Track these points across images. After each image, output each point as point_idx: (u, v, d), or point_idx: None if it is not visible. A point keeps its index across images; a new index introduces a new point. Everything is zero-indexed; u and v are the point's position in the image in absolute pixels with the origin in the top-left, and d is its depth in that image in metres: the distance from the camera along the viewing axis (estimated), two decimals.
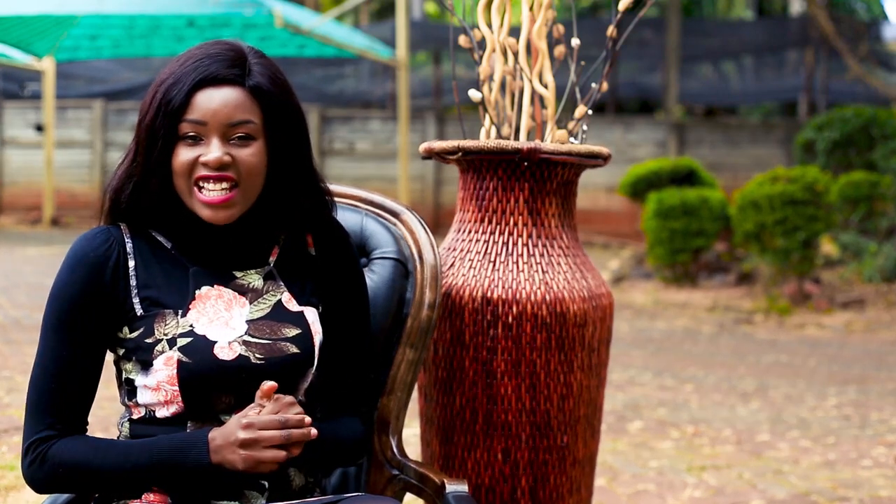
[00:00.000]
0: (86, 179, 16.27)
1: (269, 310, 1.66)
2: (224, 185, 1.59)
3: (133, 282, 1.62)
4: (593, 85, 2.23)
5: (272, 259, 1.71)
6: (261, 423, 1.53)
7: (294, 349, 1.64)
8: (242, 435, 1.53)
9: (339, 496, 1.60)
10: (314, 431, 1.56)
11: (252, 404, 1.57)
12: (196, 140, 1.59)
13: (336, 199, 2.08)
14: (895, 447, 4.54)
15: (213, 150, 1.58)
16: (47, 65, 13.93)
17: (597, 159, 2.15)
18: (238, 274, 1.67)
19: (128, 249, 1.64)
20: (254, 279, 1.68)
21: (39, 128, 16.11)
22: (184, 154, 1.59)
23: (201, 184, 1.59)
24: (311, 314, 1.69)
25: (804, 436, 4.71)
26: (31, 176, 16.34)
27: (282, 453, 1.54)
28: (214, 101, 1.58)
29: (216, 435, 1.56)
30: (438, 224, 14.16)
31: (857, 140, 10.87)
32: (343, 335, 1.74)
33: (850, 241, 9.95)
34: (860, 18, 19.25)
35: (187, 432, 1.59)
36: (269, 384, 1.56)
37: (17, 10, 10.91)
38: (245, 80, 1.61)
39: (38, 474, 1.60)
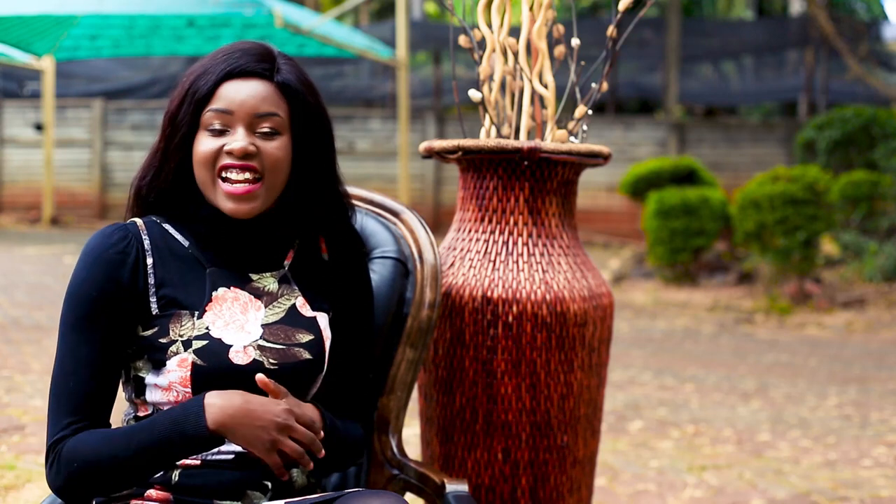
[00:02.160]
0: (85, 179, 16.27)
1: (283, 314, 1.66)
2: (247, 175, 1.59)
3: (151, 279, 1.61)
4: (593, 85, 2.22)
5: (287, 262, 1.70)
6: (299, 415, 1.55)
7: (307, 355, 1.64)
8: (282, 419, 1.53)
9: (339, 493, 1.59)
10: (322, 452, 1.59)
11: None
12: (221, 131, 1.59)
13: None
14: None
15: (239, 139, 1.58)
16: (47, 64, 13.92)
17: (597, 158, 2.15)
18: (254, 276, 1.67)
19: (145, 246, 1.63)
20: (269, 282, 1.67)
21: (39, 127, 16.11)
22: (208, 143, 1.59)
23: (225, 174, 1.59)
24: (323, 319, 1.69)
25: (805, 435, 4.70)
26: (31, 175, 16.33)
27: (304, 455, 1.56)
28: (242, 91, 1.59)
29: (215, 401, 1.54)
30: (438, 223, 14.15)
31: (858, 140, 10.87)
32: (349, 340, 1.74)
33: (850, 240, 9.95)
34: (860, 18, 19.25)
35: (183, 403, 1.57)
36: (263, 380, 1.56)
37: (17, 10, 10.90)
38: (274, 75, 1.62)
39: (58, 478, 1.56)
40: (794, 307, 9.16)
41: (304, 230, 1.71)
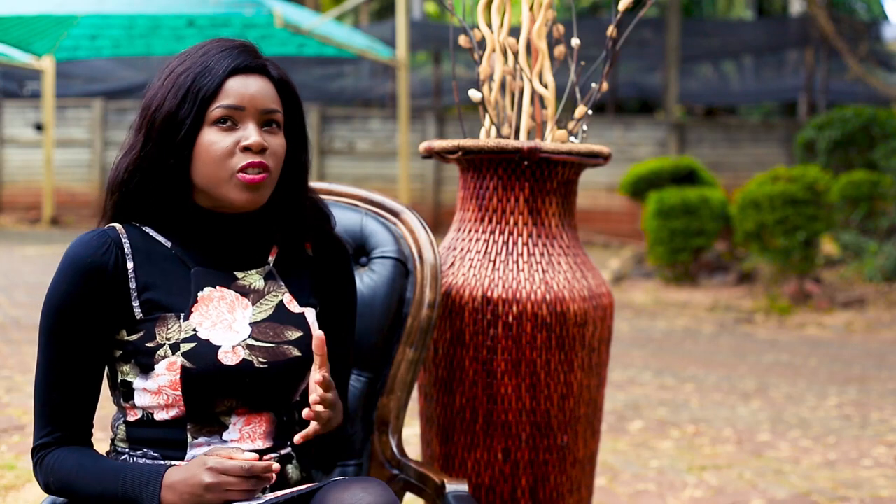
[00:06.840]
0: (85, 178, 16.27)
1: (271, 311, 1.65)
2: (258, 169, 1.59)
3: (132, 284, 1.60)
4: (593, 85, 2.22)
5: (271, 259, 1.70)
6: (225, 468, 1.49)
7: (296, 352, 1.63)
8: (207, 479, 1.49)
9: (323, 482, 1.57)
10: (274, 475, 1.53)
11: (217, 446, 1.57)
12: (230, 125, 1.59)
13: (336, 198, 2.09)
14: None
15: (254, 134, 1.58)
16: (47, 64, 13.92)
17: (597, 158, 2.15)
18: (239, 275, 1.66)
19: (126, 250, 1.61)
20: (255, 280, 1.67)
21: (39, 127, 16.11)
22: (220, 140, 1.58)
23: (244, 168, 1.58)
24: (311, 315, 1.69)
25: (805, 435, 4.70)
26: (31, 175, 16.34)
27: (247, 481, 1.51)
28: (250, 87, 1.60)
29: (174, 472, 1.52)
30: (438, 223, 14.15)
31: (858, 139, 10.87)
32: (334, 336, 1.74)
33: (850, 240, 9.95)
34: (860, 18, 19.25)
35: (152, 465, 1.56)
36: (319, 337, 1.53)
37: (17, 10, 10.90)
38: (269, 71, 1.63)
39: (39, 479, 1.63)
40: (794, 307, 9.16)
41: (287, 226, 1.71)
